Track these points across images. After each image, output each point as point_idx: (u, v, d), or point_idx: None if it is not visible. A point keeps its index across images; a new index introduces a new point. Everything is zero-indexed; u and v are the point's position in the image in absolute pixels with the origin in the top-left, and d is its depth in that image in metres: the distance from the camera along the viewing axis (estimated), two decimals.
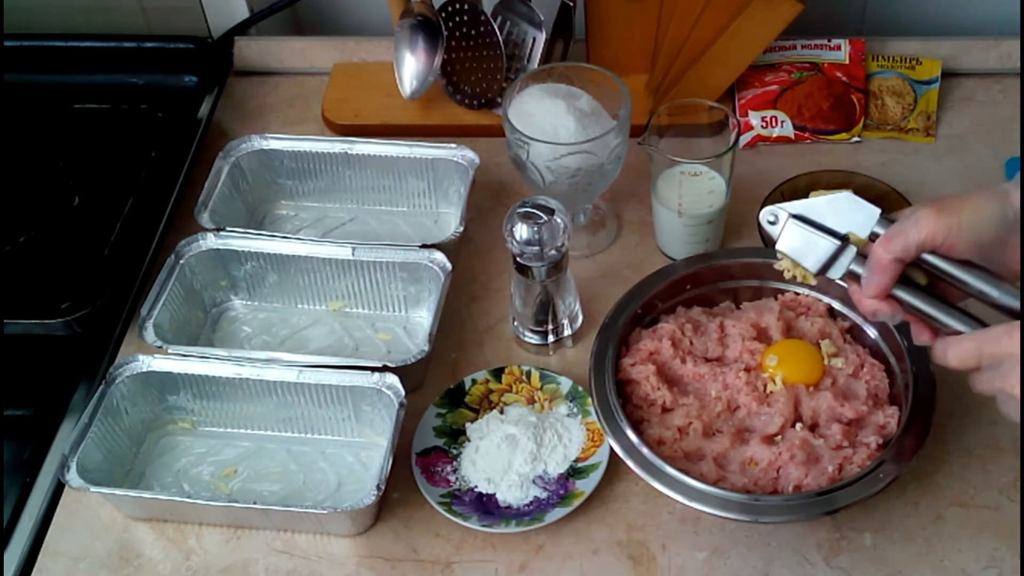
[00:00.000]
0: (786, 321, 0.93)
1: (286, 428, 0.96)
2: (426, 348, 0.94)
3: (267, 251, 1.02)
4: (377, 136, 1.11)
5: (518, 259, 0.94)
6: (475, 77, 1.18)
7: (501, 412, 0.95)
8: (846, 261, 0.77)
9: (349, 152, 1.10)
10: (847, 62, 1.18)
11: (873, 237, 0.76)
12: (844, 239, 0.77)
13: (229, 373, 0.93)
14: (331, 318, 1.05)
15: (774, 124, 1.16)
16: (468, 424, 0.94)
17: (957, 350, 0.72)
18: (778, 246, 0.79)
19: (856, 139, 1.16)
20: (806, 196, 1.04)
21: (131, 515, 0.91)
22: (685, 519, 0.88)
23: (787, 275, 0.80)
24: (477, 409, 0.95)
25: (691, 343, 0.93)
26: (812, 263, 0.78)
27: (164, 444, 0.96)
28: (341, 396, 0.93)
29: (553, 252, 0.93)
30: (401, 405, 0.89)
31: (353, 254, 1.01)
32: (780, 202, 1.06)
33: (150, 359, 0.94)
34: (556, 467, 0.91)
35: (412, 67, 1.17)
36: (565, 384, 0.96)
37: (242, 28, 1.28)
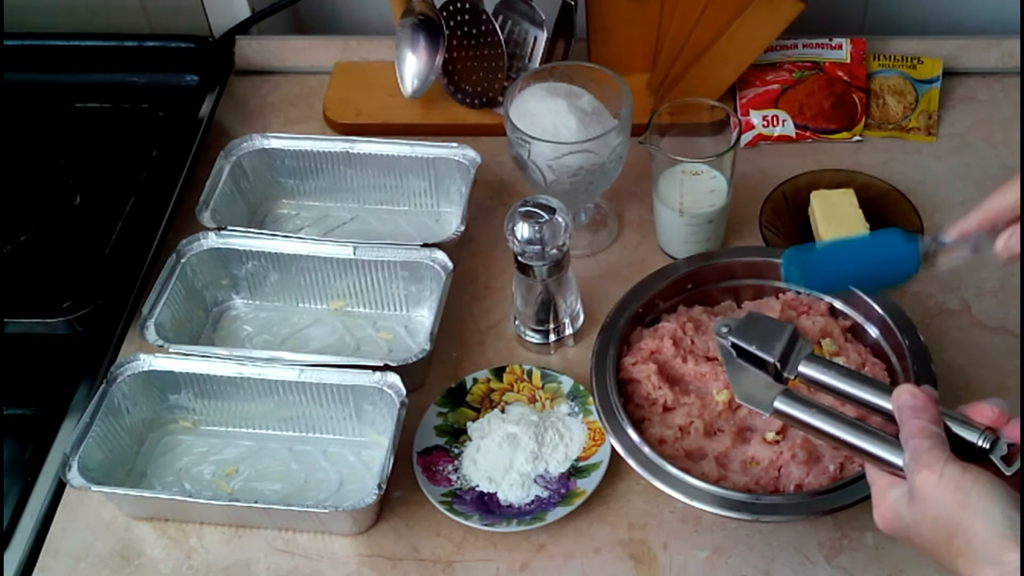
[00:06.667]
0: (787, 320, 0.93)
1: (287, 427, 0.96)
2: (427, 347, 0.94)
3: (268, 250, 1.02)
4: (378, 135, 1.11)
5: (519, 258, 0.94)
6: (476, 76, 1.18)
7: (502, 411, 0.95)
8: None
9: (350, 151, 1.10)
10: (848, 61, 1.18)
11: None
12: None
13: (230, 372, 0.93)
14: (332, 317, 1.05)
15: (775, 123, 1.16)
16: (469, 423, 0.94)
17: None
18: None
19: (857, 138, 1.16)
20: (807, 195, 1.05)
21: (132, 514, 0.91)
22: (686, 518, 0.88)
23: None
24: (478, 408, 0.95)
25: (692, 342, 0.93)
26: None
27: (165, 443, 0.96)
28: (342, 395, 0.93)
29: (554, 251, 0.93)
30: (402, 404, 0.89)
31: (354, 253, 1.01)
32: (781, 201, 1.07)
33: (151, 358, 0.94)
34: (557, 466, 0.91)
35: (413, 66, 1.17)
36: (566, 383, 0.96)
37: (243, 27, 1.28)
